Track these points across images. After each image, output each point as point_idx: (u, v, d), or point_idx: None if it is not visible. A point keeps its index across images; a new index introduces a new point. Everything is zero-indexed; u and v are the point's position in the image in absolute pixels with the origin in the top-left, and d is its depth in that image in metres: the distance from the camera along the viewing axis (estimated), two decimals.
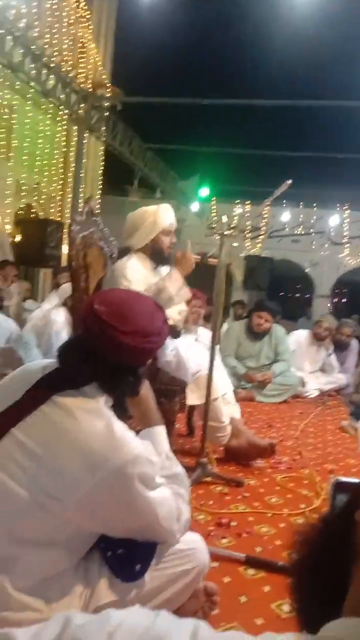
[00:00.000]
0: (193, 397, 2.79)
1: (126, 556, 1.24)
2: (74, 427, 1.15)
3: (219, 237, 2.59)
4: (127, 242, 2.87)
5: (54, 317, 4.55)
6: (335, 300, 16.26)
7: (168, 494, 1.26)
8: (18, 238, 8.45)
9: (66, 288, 4.56)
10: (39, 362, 1.34)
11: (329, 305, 13.88)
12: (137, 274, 2.69)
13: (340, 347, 5.82)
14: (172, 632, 0.39)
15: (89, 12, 10.44)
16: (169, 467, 1.35)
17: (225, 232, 2.56)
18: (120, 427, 1.18)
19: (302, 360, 5.57)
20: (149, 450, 1.25)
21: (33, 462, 1.13)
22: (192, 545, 1.34)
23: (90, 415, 1.17)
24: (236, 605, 1.59)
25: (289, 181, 2.61)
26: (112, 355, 1.24)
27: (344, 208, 12.96)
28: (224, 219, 2.63)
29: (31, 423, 1.16)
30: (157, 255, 2.85)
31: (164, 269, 2.92)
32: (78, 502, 1.12)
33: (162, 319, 1.35)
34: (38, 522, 1.13)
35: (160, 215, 2.80)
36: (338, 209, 13.02)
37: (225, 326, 6.17)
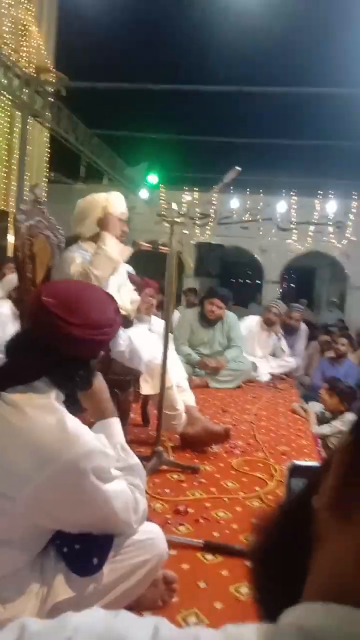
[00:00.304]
0: (147, 387, 2.78)
1: (83, 551, 1.22)
2: (25, 423, 1.12)
3: (168, 224, 2.57)
4: (76, 229, 2.81)
5: None
6: (284, 285, 16.58)
7: (124, 486, 1.25)
8: None
9: (11, 279, 4.44)
10: None
11: (278, 290, 14.14)
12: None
13: (289, 332, 5.95)
14: (132, 632, 0.37)
15: None
16: (124, 459, 1.34)
17: (176, 220, 2.54)
18: (72, 421, 1.16)
19: (254, 345, 5.65)
20: (103, 443, 1.23)
21: None
22: (150, 535, 1.34)
23: (42, 410, 1.14)
24: (195, 591, 1.60)
25: (238, 168, 2.61)
26: (62, 348, 1.21)
27: (291, 194, 13.16)
28: (174, 206, 2.60)
29: None
30: None
31: None
32: (30, 498, 1.09)
33: (114, 310, 1.33)
34: None
35: (112, 203, 2.74)
36: (284, 195, 13.22)
37: (177, 314, 6.18)
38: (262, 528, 0.48)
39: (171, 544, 1.73)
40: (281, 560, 0.45)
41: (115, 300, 1.38)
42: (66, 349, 1.22)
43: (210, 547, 1.84)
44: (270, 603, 0.46)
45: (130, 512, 1.25)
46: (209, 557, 1.81)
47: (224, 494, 2.38)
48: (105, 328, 1.27)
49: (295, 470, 0.67)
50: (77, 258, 2.62)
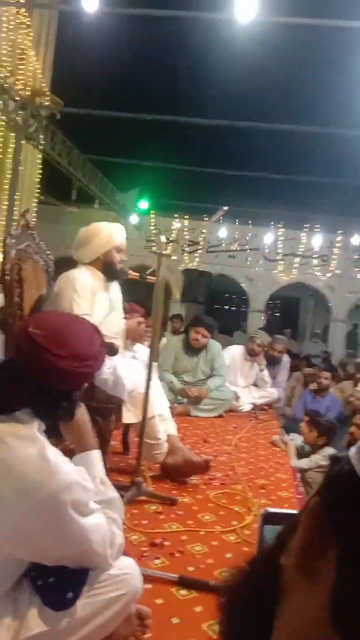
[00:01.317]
0: (129, 416, 2.78)
1: (57, 584, 1.22)
2: (6, 453, 1.12)
3: (157, 255, 2.62)
4: (76, 254, 2.91)
5: None
6: (269, 314, 16.70)
7: (101, 520, 1.25)
8: None
9: None
10: None
11: (262, 319, 14.24)
12: (86, 288, 2.73)
13: (272, 362, 5.99)
14: None
15: (29, 19, 10.31)
16: (103, 492, 1.34)
17: (163, 252, 2.58)
18: (54, 453, 1.17)
19: (236, 375, 5.68)
20: (83, 476, 1.24)
21: None
22: (125, 571, 1.34)
23: (23, 441, 1.15)
24: (168, 627, 1.59)
25: (225, 207, 2.69)
26: (47, 379, 1.23)
27: (278, 226, 13.38)
28: (162, 238, 2.65)
29: None
30: (107, 268, 2.89)
31: (114, 285, 2.95)
32: (9, 530, 1.10)
33: (100, 343, 1.35)
34: None
35: (115, 232, 2.89)
36: (272, 227, 13.43)
37: (163, 340, 6.20)
38: (231, 581, 0.50)
39: (146, 578, 1.72)
40: (247, 615, 0.47)
41: (101, 333, 1.40)
42: (50, 380, 1.23)
43: (185, 582, 1.83)
44: None
45: (106, 546, 1.25)
46: (183, 592, 1.80)
47: (200, 527, 2.38)
48: (90, 361, 1.29)
49: (268, 518, 0.69)
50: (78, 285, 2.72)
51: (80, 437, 1.41)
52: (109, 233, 2.87)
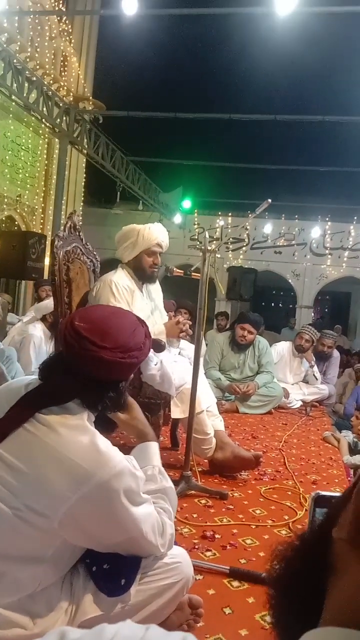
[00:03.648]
0: (177, 411, 2.81)
1: (111, 571, 1.25)
2: (59, 443, 1.16)
3: (201, 252, 2.62)
4: (116, 253, 2.95)
5: (31, 332, 4.54)
6: (318, 310, 16.42)
7: (152, 509, 1.27)
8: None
9: (47, 304, 4.57)
10: (21, 379, 1.35)
11: (312, 315, 14.03)
12: (124, 289, 2.76)
13: (322, 358, 5.89)
14: None
15: (70, 26, 10.54)
16: (160, 482, 1.37)
17: (208, 248, 2.59)
18: (104, 442, 1.20)
19: (285, 371, 5.62)
20: (134, 464, 1.26)
21: (18, 480, 1.13)
22: (177, 559, 1.36)
23: (74, 431, 1.18)
24: (221, 617, 1.60)
25: (269, 200, 2.66)
26: (93, 371, 1.26)
27: (326, 219, 13.15)
28: (207, 234, 2.65)
29: (15, 441, 1.16)
30: (139, 272, 2.90)
31: (153, 287, 2.98)
32: (64, 516, 1.13)
33: (144, 334, 1.37)
34: (24, 539, 1.14)
35: (146, 235, 2.84)
36: (319, 220, 13.21)
37: (208, 338, 6.20)
38: (282, 555, 0.51)
39: (197, 569, 1.74)
40: (299, 588, 0.48)
41: (145, 324, 1.42)
42: (97, 372, 1.26)
43: (237, 574, 1.84)
44: (287, 629, 0.49)
45: (157, 535, 1.27)
46: (235, 583, 1.80)
47: (251, 521, 2.37)
48: (135, 352, 1.30)
49: (320, 500, 0.68)
50: (114, 286, 2.75)
51: (139, 430, 1.46)
52: (139, 236, 2.84)
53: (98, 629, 0.43)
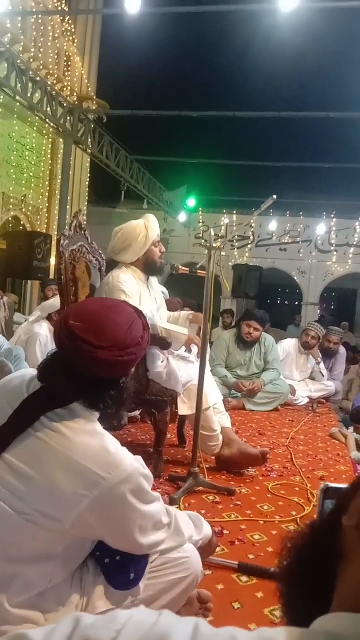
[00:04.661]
0: (184, 408, 2.81)
1: (122, 563, 1.26)
2: (68, 447, 1.13)
3: (206, 249, 2.62)
4: (119, 257, 2.89)
5: (37, 331, 4.57)
6: (324, 307, 16.38)
7: (161, 505, 1.28)
8: (5, 250, 8.46)
9: (53, 302, 4.59)
10: (21, 375, 1.31)
11: (318, 312, 14.00)
12: (133, 288, 2.77)
13: (328, 355, 5.88)
14: (176, 627, 0.42)
15: (73, 26, 10.56)
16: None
17: (213, 245, 2.59)
18: (114, 444, 1.18)
19: (292, 368, 5.62)
20: (142, 464, 1.25)
21: (27, 485, 1.11)
22: (186, 554, 1.36)
23: (83, 434, 1.16)
24: (230, 611, 1.61)
25: (274, 196, 2.65)
26: (92, 370, 1.22)
27: (331, 216, 13.11)
28: (212, 232, 2.66)
29: (22, 446, 1.14)
30: (150, 266, 2.91)
31: (154, 280, 2.99)
32: (76, 519, 1.12)
33: (142, 326, 1.32)
34: (35, 541, 1.13)
35: (149, 228, 2.86)
36: (325, 217, 13.17)
37: (214, 335, 6.20)
38: (293, 543, 0.52)
39: (206, 564, 1.75)
40: (310, 575, 0.49)
41: (144, 315, 1.37)
42: (95, 370, 1.23)
43: (245, 569, 1.84)
44: (297, 615, 0.49)
45: (164, 533, 1.28)
46: (244, 578, 1.81)
47: (259, 517, 2.38)
48: (132, 348, 1.26)
49: (329, 492, 0.69)
50: (124, 285, 2.75)
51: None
52: (146, 232, 2.84)
53: (112, 614, 0.44)
